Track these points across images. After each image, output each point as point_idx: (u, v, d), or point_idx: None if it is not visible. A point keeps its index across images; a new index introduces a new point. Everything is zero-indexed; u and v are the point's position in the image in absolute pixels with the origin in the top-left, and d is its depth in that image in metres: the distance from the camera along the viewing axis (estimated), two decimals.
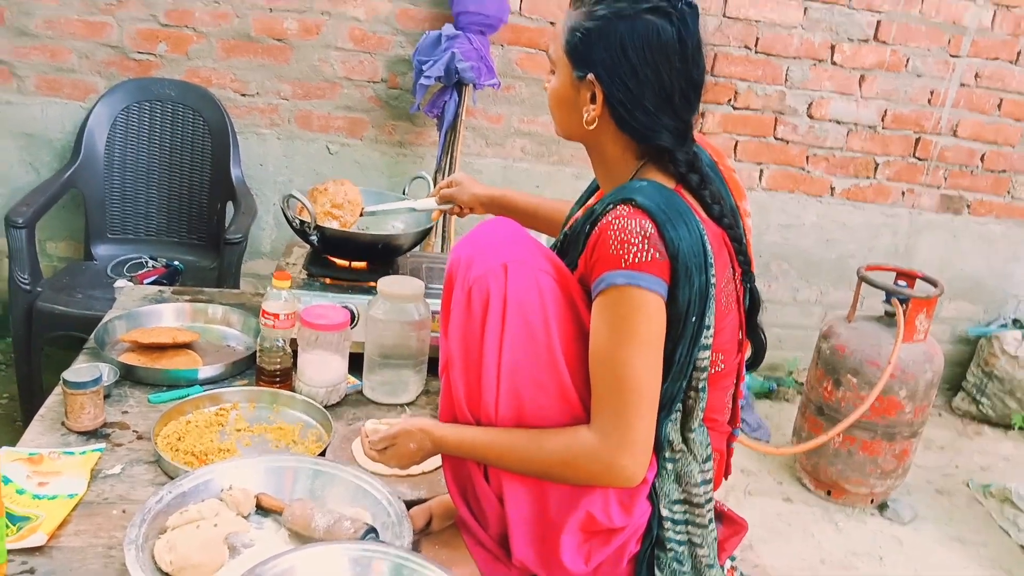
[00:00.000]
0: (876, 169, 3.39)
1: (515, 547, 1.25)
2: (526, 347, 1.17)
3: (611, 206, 1.16)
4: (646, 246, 1.12)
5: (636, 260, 1.11)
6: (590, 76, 1.21)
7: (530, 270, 1.18)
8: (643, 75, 1.17)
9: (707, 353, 1.20)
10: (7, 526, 1.21)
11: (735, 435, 1.39)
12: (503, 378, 1.19)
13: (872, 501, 2.83)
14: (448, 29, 2.77)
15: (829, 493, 2.83)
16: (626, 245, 1.12)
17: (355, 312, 1.82)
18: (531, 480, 1.22)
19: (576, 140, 1.31)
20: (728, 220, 1.24)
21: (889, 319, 2.73)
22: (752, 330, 1.33)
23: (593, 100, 1.22)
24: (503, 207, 1.81)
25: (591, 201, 1.41)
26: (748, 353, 1.36)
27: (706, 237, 1.16)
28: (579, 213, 1.41)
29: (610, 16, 1.18)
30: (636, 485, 1.18)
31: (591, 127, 1.24)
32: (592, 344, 1.17)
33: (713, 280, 1.17)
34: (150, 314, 1.97)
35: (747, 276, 1.28)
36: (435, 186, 1.99)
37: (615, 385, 1.14)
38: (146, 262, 2.74)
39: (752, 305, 1.31)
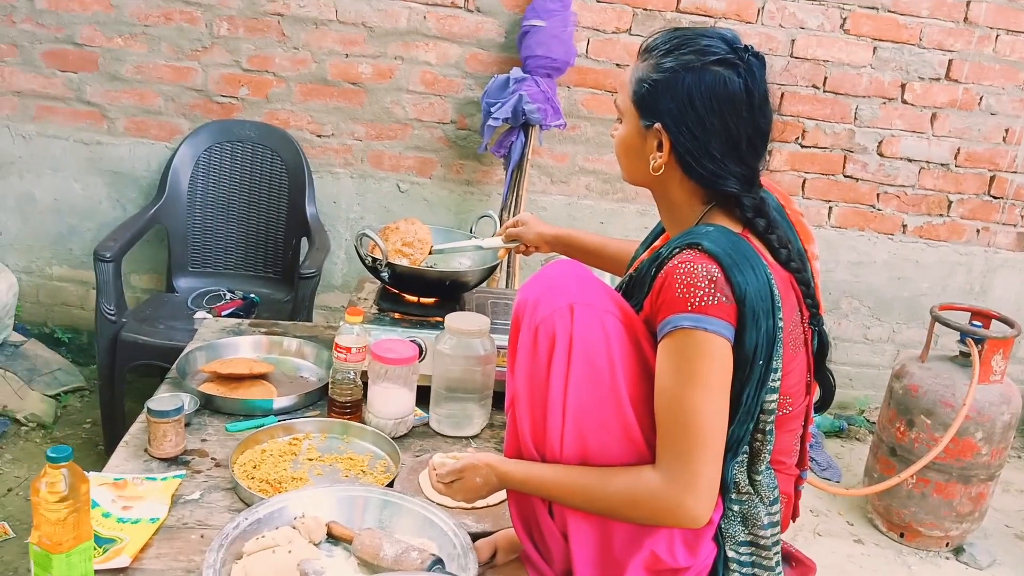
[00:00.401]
0: (949, 207, 3.32)
1: None
2: (591, 387, 1.19)
3: (677, 250, 1.18)
4: (712, 290, 1.12)
5: (702, 304, 1.12)
6: (657, 125, 1.23)
7: (596, 311, 1.20)
8: (710, 125, 1.19)
9: (774, 396, 1.20)
10: (94, 548, 1.27)
11: (803, 478, 1.38)
12: (568, 417, 1.20)
13: (947, 544, 2.73)
14: (516, 72, 2.83)
15: (902, 535, 2.75)
16: (692, 289, 1.13)
17: (423, 346, 1.86)
18: (596, 517, 1.23)
19: (643, 186, 1.32)
20: (795, 264, 1.24)
21: (964, 359, 2.66)
22: (820, 373, 1.32)
23: (660, 148, 1.24)
24: (568, 246, 1.84)
25: (657, 243, 1.43)
26: (816, 396, 1.35)
27: (773, 281, 1.17)
28: (645, 255, 1.42)
29: (677, 68, 1.20)
30: (701, 526, 1.18)
31: (658, 174, 1.26)
32: (657, 385, 1.18)
33: (781, 324, 1.17)
34: (228, 346, 2.05)
35: (815, 319, 1.28)
36: (501, 225, 2.04)
37: (680, 427, 1.15)
38: (224, 294, 2.84)
39: (820, 348, 1.30)
